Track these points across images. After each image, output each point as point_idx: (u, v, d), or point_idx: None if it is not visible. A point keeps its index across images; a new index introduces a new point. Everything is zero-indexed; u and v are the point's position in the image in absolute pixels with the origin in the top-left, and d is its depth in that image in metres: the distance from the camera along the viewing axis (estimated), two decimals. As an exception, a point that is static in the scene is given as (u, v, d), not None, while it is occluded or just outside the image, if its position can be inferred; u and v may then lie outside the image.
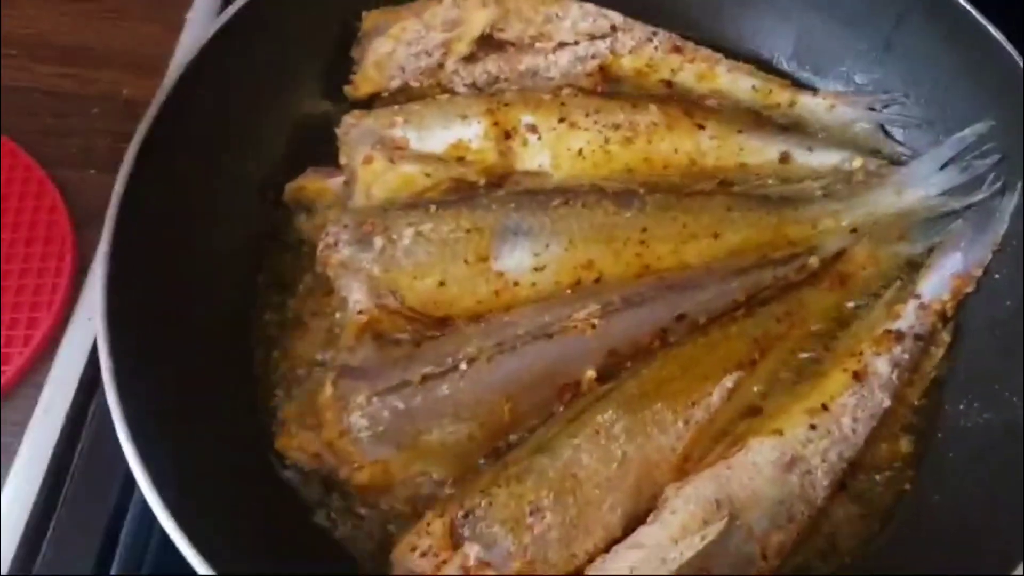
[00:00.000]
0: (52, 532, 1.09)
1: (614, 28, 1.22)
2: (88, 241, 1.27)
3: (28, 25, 1.43)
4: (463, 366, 1.02)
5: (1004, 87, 1.05)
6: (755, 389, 1.06)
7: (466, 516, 0.95)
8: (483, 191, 1.14)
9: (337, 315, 1.10)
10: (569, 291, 1.09)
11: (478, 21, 1.19)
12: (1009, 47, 1.04)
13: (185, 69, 1.07)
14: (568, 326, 1.04)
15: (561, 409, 1.03)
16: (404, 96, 1.21)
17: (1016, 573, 0.83)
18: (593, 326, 1.03)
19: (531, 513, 0.94)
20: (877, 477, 1.03)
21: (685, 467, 1.00)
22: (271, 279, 1.15)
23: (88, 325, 1.21)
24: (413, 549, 0.95)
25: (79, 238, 1.27)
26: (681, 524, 0.92)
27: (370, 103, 1.21)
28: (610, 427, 0.98)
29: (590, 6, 1.22)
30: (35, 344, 1.19)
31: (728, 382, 1.04)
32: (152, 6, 1.46)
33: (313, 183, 1.16)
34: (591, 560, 0.94)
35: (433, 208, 1.10)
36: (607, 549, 0.94)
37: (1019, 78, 1.03)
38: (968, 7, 1.06)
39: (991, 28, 1.05)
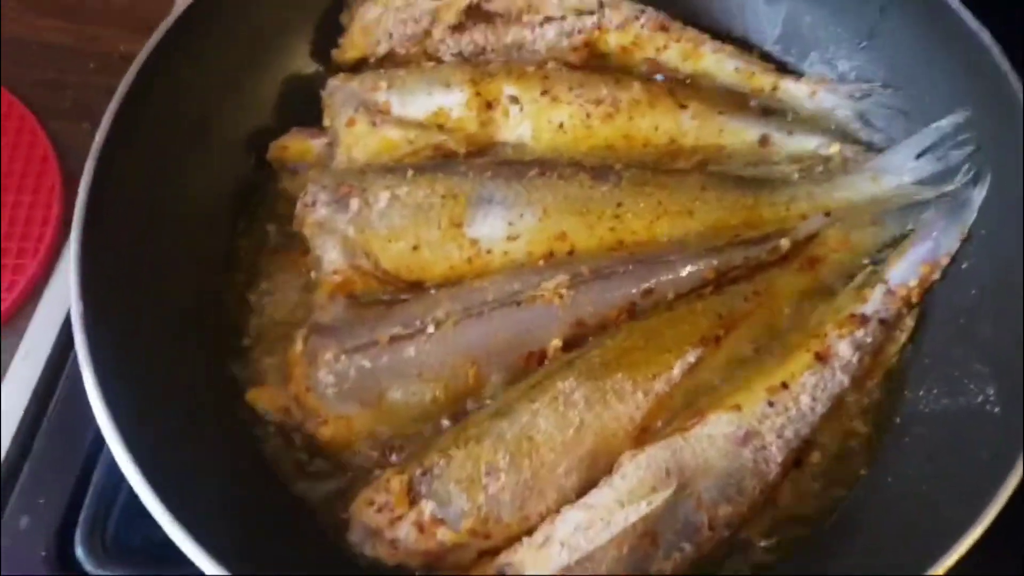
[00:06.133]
0: (24, 478, 1.11)
1: (601, 4, 1.22)
2: (76, 193, 1.28)
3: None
4: (430, 329, 1.04)
5: (981, 78, 1.05)
6: (718, 365, 1.07)
7: (424, 474, 0.97)
8: (462, 159, 1.15)
9: (312, 274, 1.11)
10: (542, 262, 1.10)
11: (467, -10, 1.20)
12: (987, 38, 1.04)
13: (174, 22, 1.08)
14: (536, 295, 1.05)
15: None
16: (391, 62, 1.22)
17: (954, 557, 0.84)
18: (561, 296, 1.05)
19: (487, 474, 0.96)
20: (833, 456, 1.04)
21: (643, 437, 1.01)
22: (251, 235, 1.17)
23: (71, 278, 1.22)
24: (370, 504, 0.97)
25: (68, 190, 1.29)
26: (629, 489, 0.94)
27: (357, 68, 1.23)
28: (570, 394, 1.00)
29: (577, -20, 1.22)
30: (19, 291, 1.22)
31: (690, 356, 1.05)
32: (152, -35, 1.47)
33: (296, 143, 1.18)
34: (543, 522, 0.96)
35: (410, 173, 1.11)
36: (560, 512, 0.96)
37: (996, 69, 1.03)
38: (949, -4, 1.07)
39: (970, 19, 1.05)
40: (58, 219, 1.27)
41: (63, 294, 1.22)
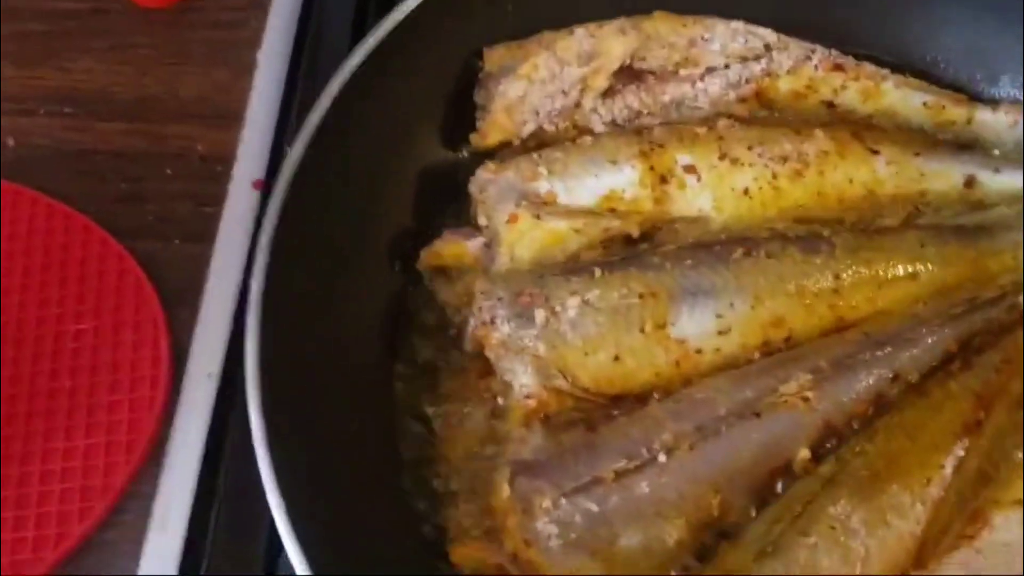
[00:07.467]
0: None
1: (768, 47, 1.08)
2: (181, 321, 1.12)
3: (85, 79, 1.27)
4: (662, 457, 0.89)
5: None
6: (982, 453, 0.93)
7: (694, 637, 0.83)
8: (644, 246, 1.01)
9: (499, 400, 0.96)
10: (757, 354, 0.97)
11: (617, 51, 1.05)
12: None
13: (310, 139, 0.94)
14: (778, 401, 0.91)
15: (778, 495, 0.90)
16: (535, 140, 1.07)
17: None
18: (807, 399, 0.91)
19: (774, 630, 0.82)
20: None
21: (922, 553, 0.87)
22: (413, 360, 1.02)
23: (196, 424, 1.06)
24: (634, 677, 0.83)
25: (170, 318, 1.13)
26: (952, 633, 0.80)
27: (494, 151, 1.08)
28: (846, 520, 0.86)
29: (738, 24, 1.08)
30: (140, 451, 1.04)
31: (959, 450, 0.91)
32: (217, 48, 1.30)
33: (450, 247, 1.02)
34: (842, 677, 0.82)
35: (598, 272, 0.96)
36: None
37: None
38: None
39: None
40: (168, 356, 1.09)
41: (189, 449, 1.05)
